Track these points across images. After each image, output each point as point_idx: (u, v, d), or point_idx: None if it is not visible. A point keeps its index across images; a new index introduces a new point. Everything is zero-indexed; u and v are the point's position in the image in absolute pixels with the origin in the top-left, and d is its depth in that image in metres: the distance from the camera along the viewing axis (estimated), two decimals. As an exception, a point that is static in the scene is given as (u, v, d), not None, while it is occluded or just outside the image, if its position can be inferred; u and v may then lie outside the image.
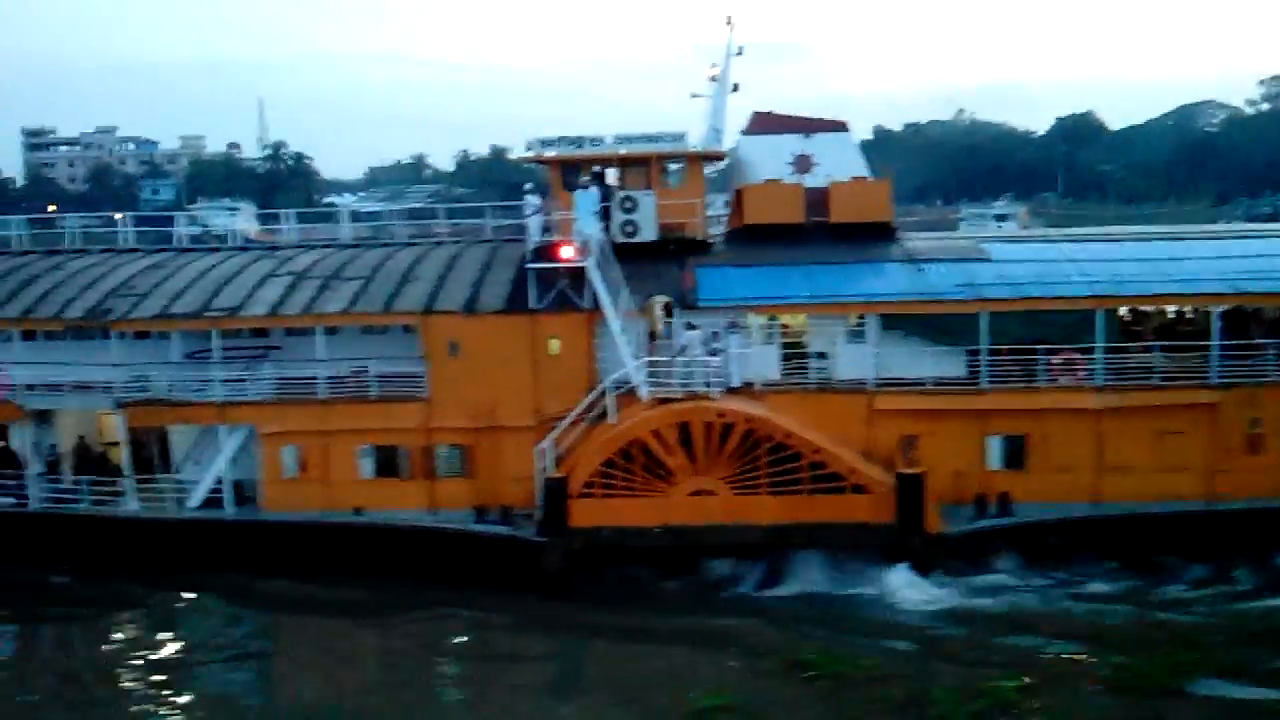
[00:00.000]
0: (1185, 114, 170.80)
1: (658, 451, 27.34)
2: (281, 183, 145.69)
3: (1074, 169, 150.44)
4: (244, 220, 63.74)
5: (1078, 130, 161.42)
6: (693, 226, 31.98)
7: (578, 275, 29.06)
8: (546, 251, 29.05)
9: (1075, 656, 23.91)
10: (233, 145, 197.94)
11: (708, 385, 27.84)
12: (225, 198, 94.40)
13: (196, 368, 31.12)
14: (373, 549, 29.42)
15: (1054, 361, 28.98)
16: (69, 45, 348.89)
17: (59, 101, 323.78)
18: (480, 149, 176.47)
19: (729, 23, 34.31)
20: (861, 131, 34.94)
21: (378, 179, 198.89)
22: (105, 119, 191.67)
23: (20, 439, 31.85)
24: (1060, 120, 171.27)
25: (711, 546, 27.63)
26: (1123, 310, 31.46)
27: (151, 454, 32.60)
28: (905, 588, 26.56)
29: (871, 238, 32.07)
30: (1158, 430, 28.57)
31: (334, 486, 30.15)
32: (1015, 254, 31.45)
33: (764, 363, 29.44)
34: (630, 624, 26.60)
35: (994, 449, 28.96)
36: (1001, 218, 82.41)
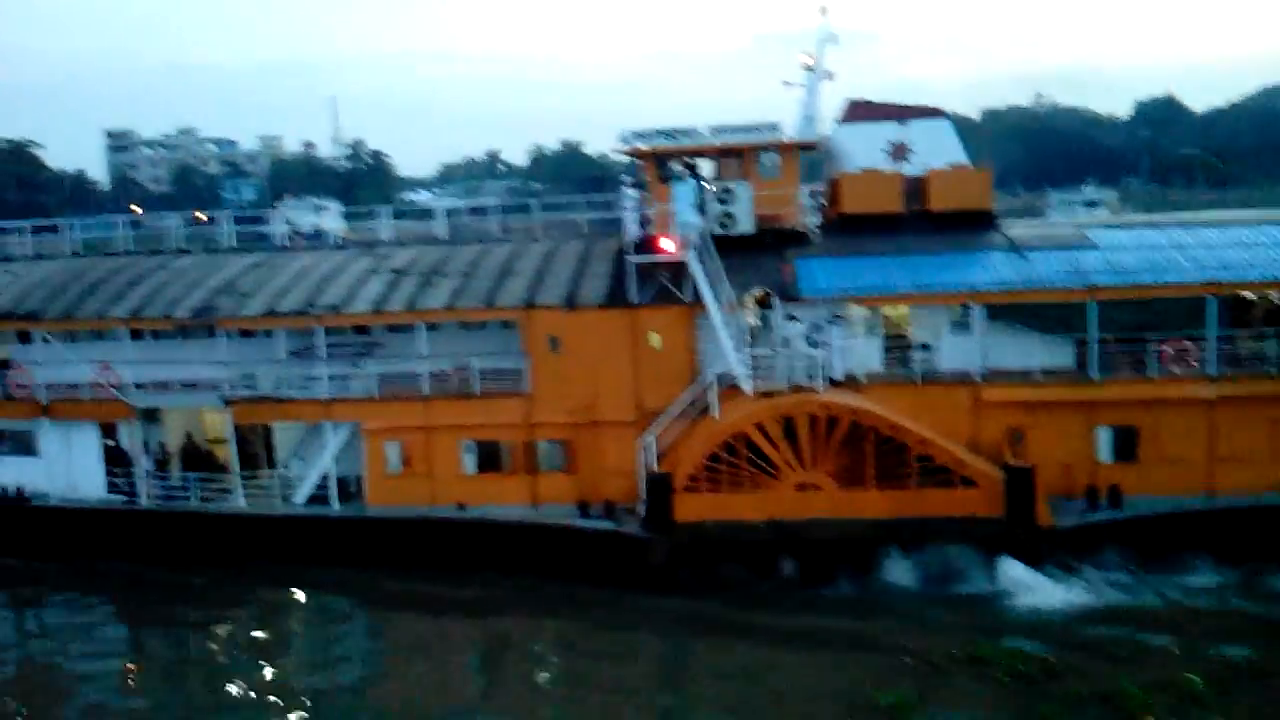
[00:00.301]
0: (1271, 95, 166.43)
1: (763, 445, 27.17)
2: (360, 180, 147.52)
3: (1157, 154, 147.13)
4: (331, 219, 64.60)
5: (1160, 114, 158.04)
6: (789, 217, 31.76)
7: (677, 268, 28.97)
8: (647, 245, 28.95)
9: (1243, 654, 23.12)
10: (308, 144, 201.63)
11: (811, 378, 27.62)
12: (310, 196, 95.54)
13: (301, 365, 31.50)
14: (476, 544, 29.59)
15: (1165, 350, 28.38)
16: (131, 48, 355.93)
17: (130, 103, 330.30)
18: (549, 144, 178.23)
19: (823, 11, 34.01)
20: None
21: (451, 175, 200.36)
22: (173, 120, 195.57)
23: (129, 437, 32.48)
24: (1141, 104, 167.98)
25: (818, 540, 27.32)
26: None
27: (256, 451, 33.13)
28: (1033, 583, 26.02)
29: (972, 226, 31.61)
30: (1273, 419, 27.85)
31: (437, 482, 30.40)
32: (1121, 241, 30.73)
33: (867, 355, 29.17)
34: (760, 622, 26.13)
35: (1104, 441, 28.37)
36: (1091, 204, 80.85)
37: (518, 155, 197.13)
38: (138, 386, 32.21)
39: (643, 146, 31.99)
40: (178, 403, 32.80)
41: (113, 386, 32.15)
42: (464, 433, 30.19)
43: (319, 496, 31.32)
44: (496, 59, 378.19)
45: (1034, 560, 26.57)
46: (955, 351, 29.09)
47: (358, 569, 30.02)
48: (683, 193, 29.53)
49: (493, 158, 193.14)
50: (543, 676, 24.87)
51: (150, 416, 32.73)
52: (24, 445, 33.63)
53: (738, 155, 31.84)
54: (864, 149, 32.92)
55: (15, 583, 31.88)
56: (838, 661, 24.06)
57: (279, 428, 33.16)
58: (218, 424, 35.33)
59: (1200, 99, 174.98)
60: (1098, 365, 28.19)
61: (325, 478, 31.14)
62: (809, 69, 34.10)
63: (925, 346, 29.44)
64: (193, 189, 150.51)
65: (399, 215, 42.80)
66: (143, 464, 32.25)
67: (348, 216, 64.64)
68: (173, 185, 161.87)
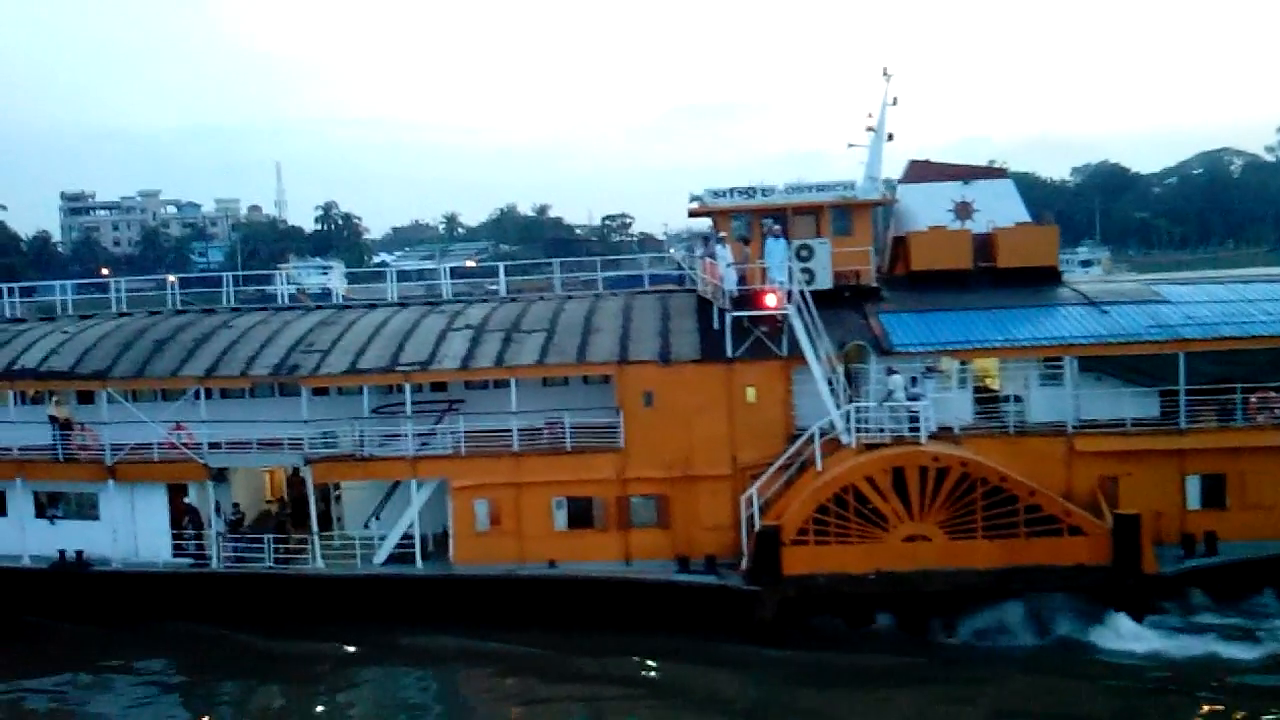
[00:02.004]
0: (1209, 160, 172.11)
1: (872, 497, 27.30)
2: (332, 243, 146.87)
3: (1108, 217, 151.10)
4: (336, 279, 64.34)
5: (1109, 179, 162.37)
6: (865, 274, 32.19)
7: (774, 323, 29.21)
8: (747, 300, 29.12)
9: None
10: (254, 208, 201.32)
11: (914, 430, 27.88)
12: (315, 258, 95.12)
13: (388, 422, 31.12)
14: (569, 601, 29.28)
15: (1251, 400, 29.08)
16: (53, 114, 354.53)
17: (62, 167, 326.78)
18: (485, 209, 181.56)
19: (885, 74, 34.55)
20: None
21: (402, 238, 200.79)
22: (108, 185, 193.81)
23: (200, 498, 31.78)
24: (1089, 169, 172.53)
25: (926, 592, 27.43)
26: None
27: (322, 510, 32.62)
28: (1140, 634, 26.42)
29: (1040, 281, 32.29)
30: None
31: (526, 539, 30.05)
32: (1191, 295, 31.54)
33: (959, 407, 29.51)
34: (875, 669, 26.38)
35: (1193, 488, 28.91)
36: (1087, 263, 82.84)
37: (467, 220, 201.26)
38: (213, 446, 31.58)
39: (719, 204, 32.36)
40: (257, 462, 32.26)
41: (187, 447, 31.51)
42: (555, 489, 29.96)
43: (397, 555, 30.82)
44: (416, 127, 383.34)
45: (1140, 607, 26.94)
46: (1045, 403, 29.54)
47: (443, 629, 29.45)
48: (775, 249, 29.81)
49: (451, 220, 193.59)
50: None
51: (219, 477, 32.05)
52: (85, 508, 32.75)
53: (812, 213, 32.26)
54: (928, 207, 33.59)
55: (75, 649, 30.84)
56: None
57: (347, 487, 32.75)
58: (277, 484, 34.95)
59: (1138, 166, 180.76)
60: (1186, 415, 28.79)
61: (406, 536, 30.65)
62: (871, 130, 34.71)
63: (1015, 399, 29.85)
64: (161, 251, 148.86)
65: (455, 274, 42.73)
66: (215, 525, 31.52)
67: (350, 278, 64.73)
68: (139, 248, 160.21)
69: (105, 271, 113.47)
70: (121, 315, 37.54)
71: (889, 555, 27.33)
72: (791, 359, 29.17)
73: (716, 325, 30.41)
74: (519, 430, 30.12)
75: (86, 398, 33.59)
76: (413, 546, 30.48)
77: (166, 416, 32.07)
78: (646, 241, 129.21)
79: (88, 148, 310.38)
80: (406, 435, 30.47)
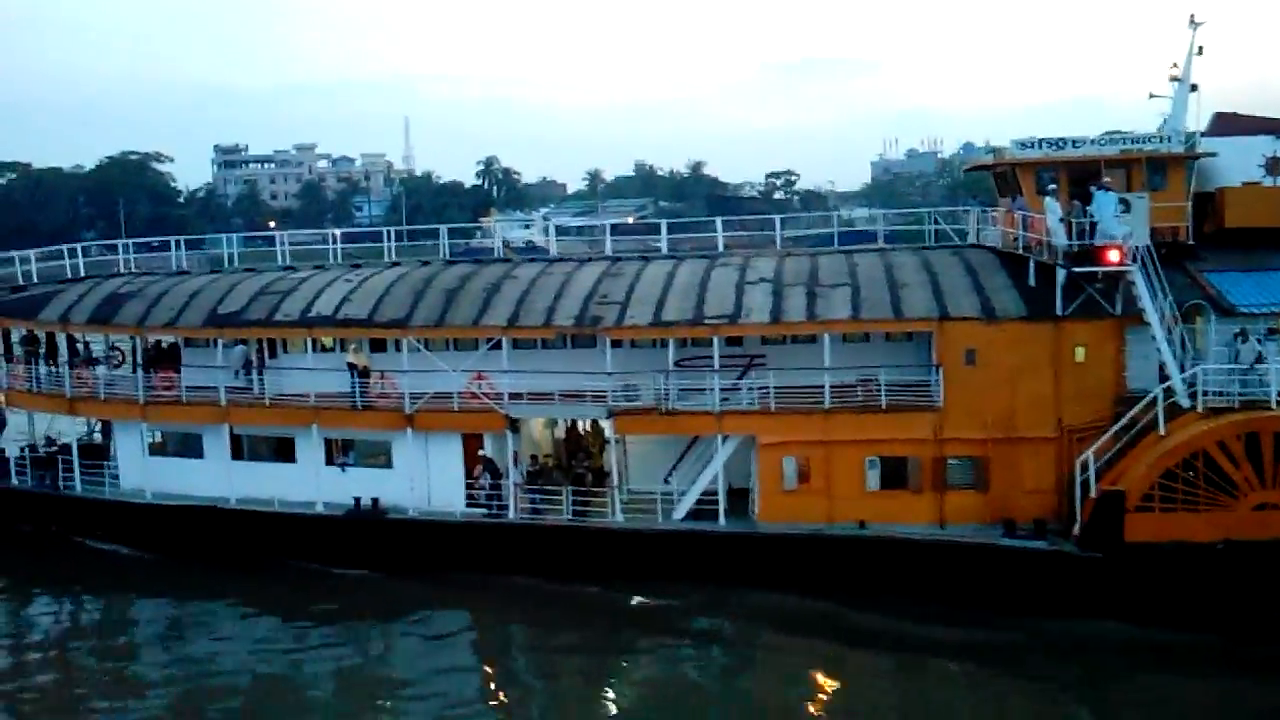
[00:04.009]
0: None
1: (1223, 463, 26.14)
2: (491, 199, 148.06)
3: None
4: (537, 233, 64.55)
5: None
6: (1182, 231, 30.77)
7: (1108, 280, 28.06)
8: (1086, 256, 27.98)
9: None
10: (387, 163, 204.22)
11: (1267, 393, 26.59)
12: (516, 211, 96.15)
13: (688, 376, 30.77)
14: (879, 565, 28.69)
15: None
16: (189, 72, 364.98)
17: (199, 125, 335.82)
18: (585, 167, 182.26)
19: (1192, 23, 32.86)
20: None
21: (536, 194, 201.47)
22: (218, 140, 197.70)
23: (496, 449, 31.88)
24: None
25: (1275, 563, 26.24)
26: None
27: (599, 466, 32.70)
28: None
29: (1364, 241, 30.50)
30: None
31: (836, 498, 29.48)
32: None
33: None
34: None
35: None
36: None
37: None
38: (514, 397, 31.62)
39: (1023, 156, 31.20)
40: (559, 414, 32.22)
41: (488, 397, 31.60)
42: (867, 448, 29.32)
43: (694, 511, 30.55)
44: (508, 82, 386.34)
45: None
46: None
47: (740, 588, 29.20)
48: (1105, 202, 28.54)
49: (594, 177, 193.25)
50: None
51: (514, 428, 32.04)
52: (376, 456, 33.13)
53: (1123, 166, 30.89)
54: (1237, 162, 31.89)
55: (370, 597, 31.25)
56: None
57: (632, 440, 32.53)
58: (543, 436, 34.94)
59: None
60: None
61: (705, 493, 30.33)
62: (1176, 80, 33.07)
63: None
64: (323, 205, 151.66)
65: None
66: (512, 476, 31.61)
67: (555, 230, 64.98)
68: (298, 201, 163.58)
69: (272, 224, 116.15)
70: (393, 264, 37.84)
71: (1238, 524, 26.16)
72: (1125, 318, 28.04)
73: (1032, 281, 29.43)
74: (832, 387, 29.50)
75: (378, 346, 33.90)
76: (712, 503, 30.20)
77: (462, 366, 32.15)
78: (811, 198, 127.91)
79: (209, 105, 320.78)
80: (712, 390, 30.09)
